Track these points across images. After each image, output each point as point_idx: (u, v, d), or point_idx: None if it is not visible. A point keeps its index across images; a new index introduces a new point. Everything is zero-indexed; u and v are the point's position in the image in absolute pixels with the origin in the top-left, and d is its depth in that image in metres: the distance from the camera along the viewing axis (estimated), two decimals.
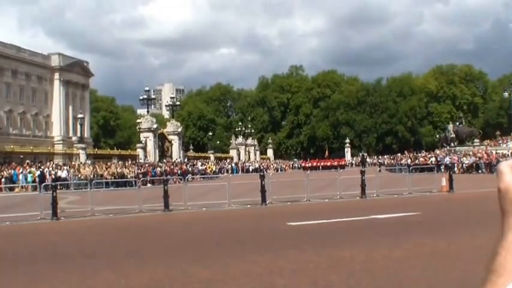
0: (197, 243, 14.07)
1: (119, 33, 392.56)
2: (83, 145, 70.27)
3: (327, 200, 25.30)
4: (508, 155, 54.78)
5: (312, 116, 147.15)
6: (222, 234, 15.69)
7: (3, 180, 45.36)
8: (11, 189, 40.93)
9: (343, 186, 26.68)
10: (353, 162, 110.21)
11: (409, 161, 64.75)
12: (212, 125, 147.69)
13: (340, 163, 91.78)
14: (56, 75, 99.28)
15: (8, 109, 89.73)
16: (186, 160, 76.98)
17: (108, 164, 54.26)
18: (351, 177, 29.07)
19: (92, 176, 45.09)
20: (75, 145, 74.76)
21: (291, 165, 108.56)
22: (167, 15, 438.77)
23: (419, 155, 72.83)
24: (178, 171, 58.34)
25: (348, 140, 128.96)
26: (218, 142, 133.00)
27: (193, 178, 52.60)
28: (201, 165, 71.50)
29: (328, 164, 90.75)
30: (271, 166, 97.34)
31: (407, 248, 11.73)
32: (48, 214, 21.10)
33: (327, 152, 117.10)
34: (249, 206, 23.98)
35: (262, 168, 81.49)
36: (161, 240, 15.16)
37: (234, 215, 21.51)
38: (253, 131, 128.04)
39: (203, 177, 57.43)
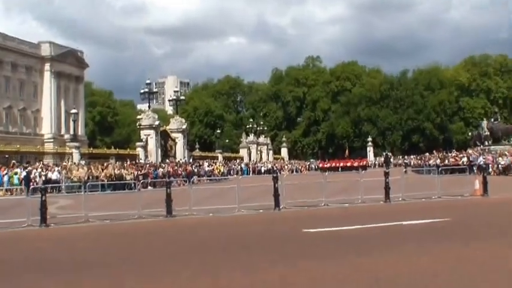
0: (203, 250, 14.06)
1: (118, 21, 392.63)
2: (76, 144, 70.37)
3: (347, 204, 25.20)
4: None
5: (330, 112, 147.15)
6: (230, 242, 15.68)
7: None
8: None
9: (365, 190, 26.56)
10: (376, 162, 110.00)
11: (438, 161, 64.45)
12: (220, 121, 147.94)
13: (362, 164, 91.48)
14: (47, 66, 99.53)
15: None
16: (191, 160, 77.00)
17: (105, 164, 54.25)
18: (374, 180, 28.95)
19: (86, 178, 45.11)
20: (67, 144, 74.84)
21: (307, 166, 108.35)
22: (171, 0, 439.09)
23: (450, 154, 72.40)
24: (183, 173, 58.37)
25: (370, 138, 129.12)
26: (227, 140, 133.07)
27: (199, 180, 52.43)
28: (208, 166, 71.46)
29: (349, 164, 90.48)
30: (286, 167, 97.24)
31: (434, 256, 11.68)
32: (36, 220, 21.08)
33: (347, 152, 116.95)
34: (260, 211, 23.94)
35: (275, 169, 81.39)
36: (163, 247, 15.16)
37: (244, 221, 21.52)
38: (265, 128, 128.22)
39: (210, 179, 57.34)
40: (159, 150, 71.79)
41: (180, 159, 73.80)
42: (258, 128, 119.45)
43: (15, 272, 11.92)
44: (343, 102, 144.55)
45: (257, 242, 15.43)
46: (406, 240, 14.34)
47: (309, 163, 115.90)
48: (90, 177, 46.31)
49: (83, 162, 59.18)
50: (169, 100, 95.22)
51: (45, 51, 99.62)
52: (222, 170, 73.38)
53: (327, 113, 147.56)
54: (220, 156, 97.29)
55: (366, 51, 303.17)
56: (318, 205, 25.01)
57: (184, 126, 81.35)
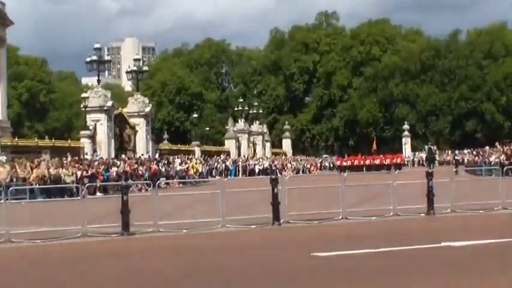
0: (170, 286, 13.97)
1: None
2: None
3: (373, 218, 25.22)
4: None
5: (351, 89, 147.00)
6: (212, 272, 15.59)
7: None
8: None
9: (400, 197, 26.55)
10: (415, 159, 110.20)
11: (502, 157, 64.50)
12: (198, 102, 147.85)
13: (395, 161, 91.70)
14: None
15: None
16: (157, 156, 76.96)
17: (35, 161, 54.16)
18: (412, 183, 28.93)
19: (8, 180, 44.95)
20: None
21: (318, 164, 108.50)
22: None
23: None
24: (145, 173, 58.42)
25: (406, 126, 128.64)
26: (207, 128, 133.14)
27: (168, 184, 52.52)
28: (181, 164, 71.44)
29: (377, 162, 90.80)
30: (289, 165, 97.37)
31: None
32: None
33: (374, 144, 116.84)
34: (253, 226, 23.92)
35: (274, 168, 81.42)
36: (115, 282, 15.05)
37: (231, 240, 21.59)
38: (261, 111, 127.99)
39: (183, 183, 57.47)
40: (113, 141, 71.71)
41: (142, 155, 73.76)
42: (251, 112, 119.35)
43: None
44: (369, 75, 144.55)
45: (248, 270, 15.37)
46: (457, 269, 14.28)
47: (321, 160, 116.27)
48: (14, 179, 46.11)
49: (3, 158, 59.02)
50: (127, 72, 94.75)
51: None
52: (200, 170, 73.37)
53: (347, 90, 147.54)
54: (197, 150, 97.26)
55: (400, 5, 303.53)
56: (333, 218, 25.03)
57: (148, 109, 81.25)
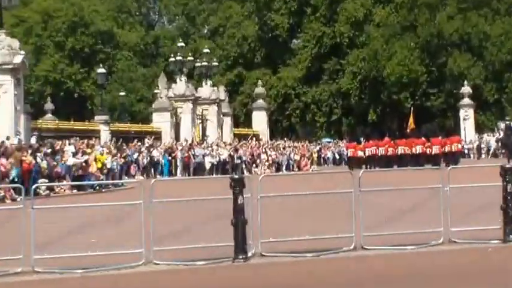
0: None
1: None
2: None
3: (410, 247, 25.14)
4: None
5: (370, 26, 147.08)
6: None
7: None
8: None
9: (456, 212, 26.44)
10: (481, 145, 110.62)
11: None
12: (107, 47, 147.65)
13: (448, 149, 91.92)
14: None
15: None
16: (34, 140, 76.84)
17: None
18: (476, 188, 28.81)
19: None
20: None
21: (315, 155, 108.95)
22: None
23: None
24: (13, 172, 58.29)
25: (467, 88, 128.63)
26: (122, 93, 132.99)
27: (52, 190, 52.48)
28: (76, 155, 71.21)
29: (417, 150, 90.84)
30: (264, 157, 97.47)
31: None
32: None
33: (411, 121, 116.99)
34: (200, 263, 23.72)
35: (238, 161, 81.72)
36: None
37: None
38: (216, 63, 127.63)
39: (79, 187, 57.39)
40: None
41: (8, 138, 73.59)
42: (198, 64, 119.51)
43: None
44: (401, 2, 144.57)
45: None
46: None
47: (319, 147, 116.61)
48: None
49: None
50: None
51: None
52: (109, 165, 73.24)
53: (364, 27, 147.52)
54: (105, 131, 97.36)
55: None
56: (339, 249, 24.90)
57: (18, 59, 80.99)
